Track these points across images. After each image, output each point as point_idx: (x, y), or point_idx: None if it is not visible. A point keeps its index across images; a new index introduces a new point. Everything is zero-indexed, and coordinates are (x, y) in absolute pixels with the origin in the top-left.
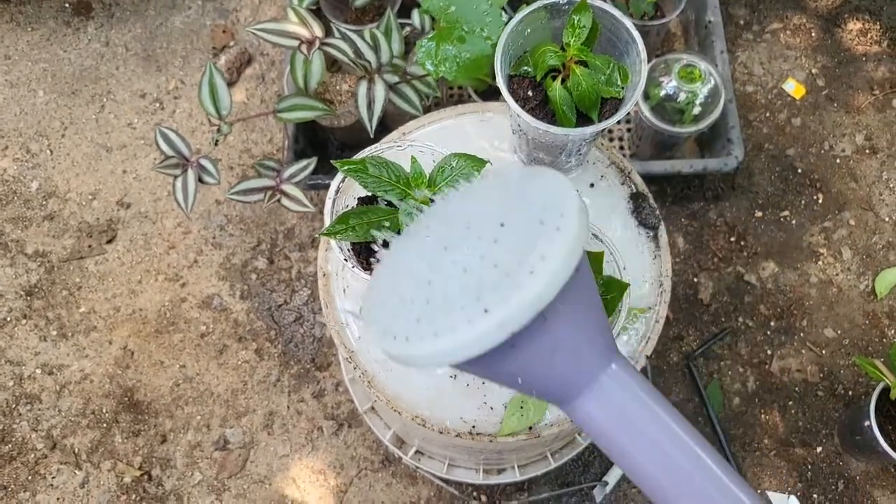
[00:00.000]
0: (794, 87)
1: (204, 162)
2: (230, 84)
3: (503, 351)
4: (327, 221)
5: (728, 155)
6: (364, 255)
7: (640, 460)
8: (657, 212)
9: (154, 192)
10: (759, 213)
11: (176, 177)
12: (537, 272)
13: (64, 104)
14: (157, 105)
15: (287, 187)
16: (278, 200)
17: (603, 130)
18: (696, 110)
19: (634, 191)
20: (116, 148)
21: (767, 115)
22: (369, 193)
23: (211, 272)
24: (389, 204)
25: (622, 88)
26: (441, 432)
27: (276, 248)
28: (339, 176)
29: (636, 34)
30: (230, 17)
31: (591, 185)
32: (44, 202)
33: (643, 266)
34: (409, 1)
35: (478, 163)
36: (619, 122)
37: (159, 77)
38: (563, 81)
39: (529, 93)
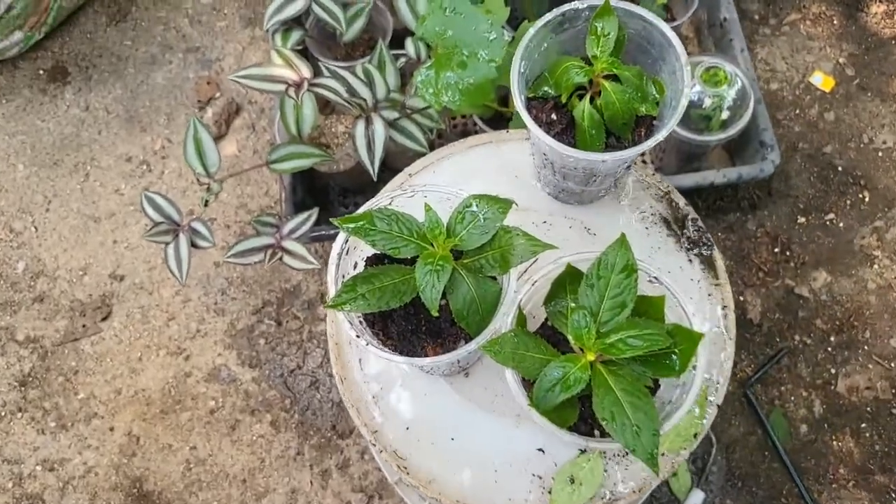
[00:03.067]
0: (822, 80)
1: (196, 225)
2: (219, 137)
3: None
4: (331, 290)
5: (763, 160)
6: (380, 325)
7: None
8: (708, 234)
9: (148, 260)
10: (801, 219)
11: (167, 244)
12: None
13: (46, 176)
14: (145, 167)
15: (288, 244)
16: (280, 259)
17: (644, 153)
18: (725, 115)
19: (678, 214)
20: (105, 217)
21: (797, 112)
22: (378, 252)
23: (216, 341)
24: (405, 262)
25: (658, 104)
26: None
27: (283, 307)
28: (343, 235)
29: (672, 36)
30: (213, 66)
31: (634, 219)
32: (32, 283)
33: (697, 298)
34: (401, 30)
35: (502, 204)
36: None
37: (144, 138)
38: (591, 100)
39: (553, 116)
